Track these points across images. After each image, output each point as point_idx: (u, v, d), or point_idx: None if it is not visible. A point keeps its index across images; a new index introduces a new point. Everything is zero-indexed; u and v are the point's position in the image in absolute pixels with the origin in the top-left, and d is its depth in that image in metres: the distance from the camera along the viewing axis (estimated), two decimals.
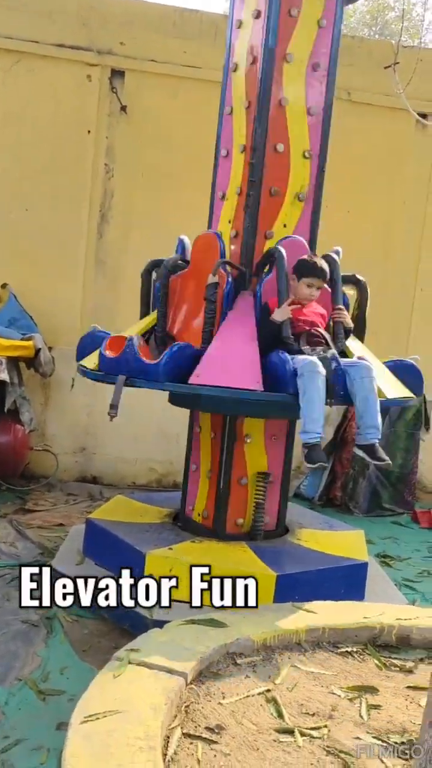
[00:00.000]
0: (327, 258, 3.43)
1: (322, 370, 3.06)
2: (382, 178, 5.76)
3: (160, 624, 2.57)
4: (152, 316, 3.63)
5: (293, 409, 3.11)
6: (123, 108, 5.40)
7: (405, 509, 5.65)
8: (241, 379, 3.09)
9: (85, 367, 3.57)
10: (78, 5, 5.36)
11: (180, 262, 3.66)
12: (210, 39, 5.43)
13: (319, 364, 3.07)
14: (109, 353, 3.38)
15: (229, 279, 3.36)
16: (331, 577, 3.31)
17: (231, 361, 3.15)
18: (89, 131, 5.42)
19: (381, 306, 5.91)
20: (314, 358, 3.10)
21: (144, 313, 3.81)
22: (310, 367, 3.04)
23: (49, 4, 5.30)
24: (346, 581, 3.36)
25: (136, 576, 3.23)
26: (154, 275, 3.75)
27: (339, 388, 3.14)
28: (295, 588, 3.11)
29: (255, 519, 3.59)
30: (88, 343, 3.82)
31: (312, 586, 3.17)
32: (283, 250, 3.33)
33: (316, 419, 3.04)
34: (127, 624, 3.11)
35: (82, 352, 3.79)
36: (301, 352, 3.20)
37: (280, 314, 3.25)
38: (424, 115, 5.71)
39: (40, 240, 5.42)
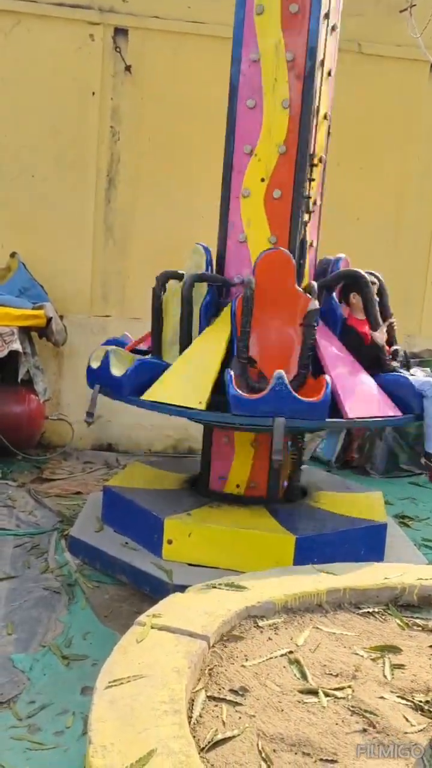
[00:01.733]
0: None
1: None
2: (395, 133, 5.61)
3: (179, 588, 2.57)
4: (220, 334, 3.37)
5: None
6: (128, 68, 5.27)
7: (422, 470, 5.62)
8: (384, 408, 3.23)
9: (187, 407, 3.33)
10: None
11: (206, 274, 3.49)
12: None
13: None
14: (93, 363, 3.45)
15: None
16: (351, 539, 3.31)
17: (364, 391, 3.25)
18: (93, 93, 5.30)
19: (394, 269, 5.82)
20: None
21: (156, 328, 3.63)
22: None
23: None
24: (366, 542, 3.36)
25: (156, 541, 3.24)
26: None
27: None
28: (314, 550, 3.11)
29: (292, 480, 3.67)
30: (139, 373, 3.49)
31: (331, 547, 3.17)
32: (364, 274, 3.42)
33: None
34: (147, 588, 3.13)
35: (135, 383, 3.44)
36: (395, 370, 3.41)
37: (380, 337, 3.39)
38: None
39: (47, 207, 5.35)
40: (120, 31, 5.27)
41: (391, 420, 3.27)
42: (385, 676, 2.04)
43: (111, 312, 5.58)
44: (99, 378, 3.41)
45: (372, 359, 3.38)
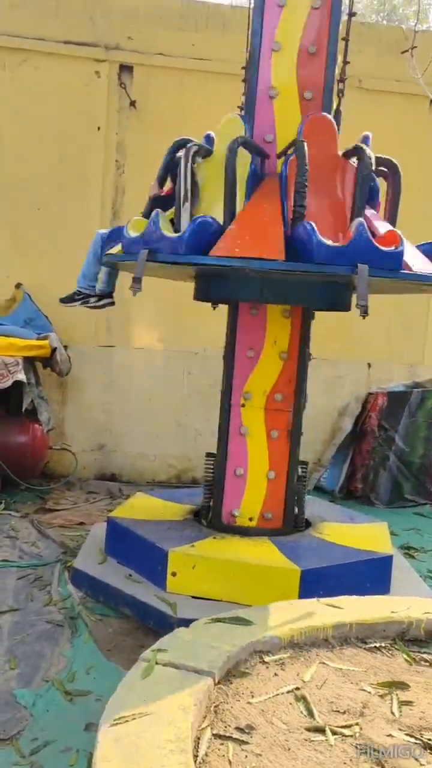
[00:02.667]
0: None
1: None
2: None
3: (184, 622, 2.55)
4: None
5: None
6: (132, 103, 5.37)
7: (427, 500, 5.60)
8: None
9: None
10: (83, 0, 5.33)
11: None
12: (218, 30, 5.38)
13: None
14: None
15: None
16: (356, 571, 3.28)
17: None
18: (99, 128, 5.39)
19: (396, 299, 5.87)
20: None
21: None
22: None
23: (54, 1, 5.27)
24: (371, 575, 3.33)
25: (160, 574, 3.22)
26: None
27: None
28: (319, 583, 3.09)
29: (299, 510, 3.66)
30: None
31: (337, 580, 3.15)
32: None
33: None
34: (150, 622, 3.10)
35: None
36: None
37: None
38: None
39: (52, 238, 5.41)
40: (125, 68, 5.37)
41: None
42: (393, 714, 2.01)
43: (115, 342, 5.61)
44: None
45: None
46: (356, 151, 3.16)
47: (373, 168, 3.13)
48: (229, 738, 1.85)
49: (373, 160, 3.10)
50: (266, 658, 2.27)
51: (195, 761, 1.70)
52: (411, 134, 5.66)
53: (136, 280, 3.05)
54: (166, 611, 3.04)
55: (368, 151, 3.08)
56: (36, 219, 5.41)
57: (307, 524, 3.76)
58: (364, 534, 3.71)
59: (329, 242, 2.84)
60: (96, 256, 3.78)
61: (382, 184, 3.41)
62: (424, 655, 2.41)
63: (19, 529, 4.36)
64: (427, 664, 2.36)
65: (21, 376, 4.76)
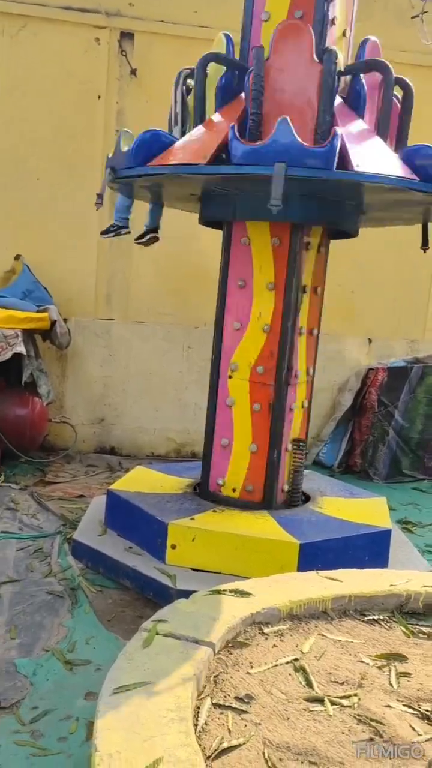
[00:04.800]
0: None
1: None
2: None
3: (183, 593, 2.56)
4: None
5: None
6: (133, 71, 5.27)
7: (425, 475, 5.62)
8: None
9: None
10: None
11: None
12: None
13: None
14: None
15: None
16: (355, 545, 3.30)
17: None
18: (99, 96, 5.31)
19: (399, 275, 5.82)
20: None
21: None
22: None
23: None
24: (370, 549, 3.35)
25: (160, 546, 3.24)
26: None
27: None
28: (318, 556, 3.10)
29: (294, 485, 3.62)
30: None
31: (335, 554, 3.16)
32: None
33: None
34: (150, 593, 3.12)
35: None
36: None
37: None
38: None
39: (52, 210, 5.35)
40: (126, 35, 5.27)
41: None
42: (391, 685, 2.03)
43: (115, 315, 5.58)
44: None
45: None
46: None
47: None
48: (229, 707, 1.86)
49: (340, 61, 3.05)
50: (265, 630, 2.28)
51: (195, 730, 1.72)
52: (419, 105, 5.57)
53: (98, 196, 3.35)
54: (166, 583, 3.06)
55: (335, 52, 3.00)
56: (35, 189, 5.34)
57: (307, 498, 3.77)
58: (363, 508, 3.72)
59: (245, 142, 2.86)
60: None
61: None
62: (422, 628, 2.42)
63: (19, 501, 4.37)
64: (425, 636, 2.37)
65: (20, 349, 4.74)
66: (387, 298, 5.92)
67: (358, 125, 3.14)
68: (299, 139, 2.80)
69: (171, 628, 2.14)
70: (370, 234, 4.08)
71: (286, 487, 3.61)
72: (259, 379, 3.51)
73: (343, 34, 3.36)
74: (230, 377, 3.57)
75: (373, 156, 3.00)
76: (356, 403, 5.71)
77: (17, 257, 5.30)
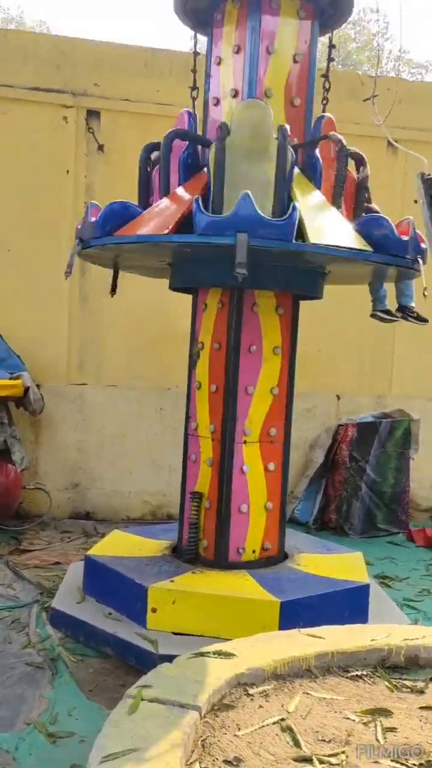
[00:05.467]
0: None
1: None
2: None
3: (166, 658, 2.55)
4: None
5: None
6: (100, 147, 5.49)
7: (400, 529, 5.68)
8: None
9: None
10: (51, 48, 5.47)
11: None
12: (182, 77, 5.51)
13: None
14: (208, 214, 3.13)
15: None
16: (334, 601, 3.32)
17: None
18: (68, 171, 5.50)
19: (365, 330, 6.01)
20: None
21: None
22: None
23: (22, 50, 5.40)
24: (349, 604, 3.38)
25: (140, 610, 3.22)
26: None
27: None
28: (299, 614, 3.12)
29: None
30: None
31: (316, 610, 3.18)
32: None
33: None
34: (132, 660, 3.09)
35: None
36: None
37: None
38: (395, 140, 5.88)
39: (24, 279, 5.46)
40: (92, 113, 5.51)
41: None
42: (377, 740, 2.04)
43: (87, 380, 5.63)
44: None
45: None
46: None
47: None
48: None
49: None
50: (250, 690, 2.28)
51: None
52: (371, 174, 5.86)
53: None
54: (148, 648, 3.04)
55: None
56: (7, 260, 5.45)
57: (285, 556, 3.79)
58: (341, 564, 3.75)
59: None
60: None
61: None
62: (405, 682, 2.44)
63: None
64: (409, 690, 2.40)
65: None
66: (353, 356, 6.09)
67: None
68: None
69: (156, 694, 2.13)
70: (333, 293, 4.23)
71: (240, 549, 3.62)
72: (213, 436, 3.63)
73: (292, 104, 3.56)
74: (192, 435, 3.68)
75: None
76: (328, 459, 5.79)
77: None
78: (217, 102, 3.59)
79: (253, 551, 3.61)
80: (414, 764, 1.94)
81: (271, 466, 3.64)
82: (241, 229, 2.91)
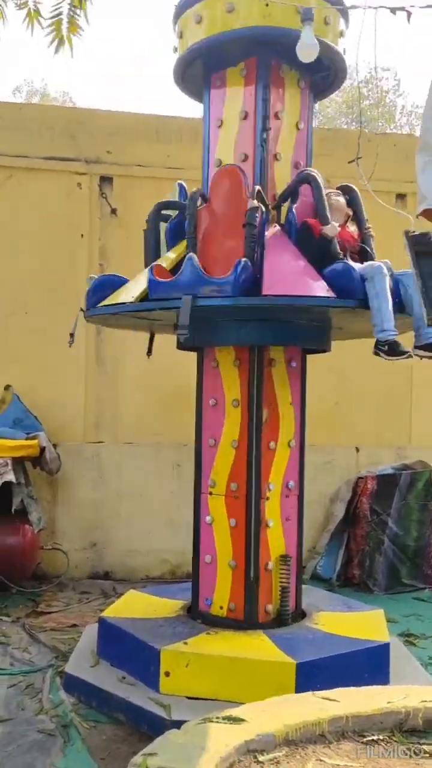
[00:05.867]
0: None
1: (387, 272, 3.18)
2: None
3: (179, 724, 2.48)
4: (180, 249, 3.54)
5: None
6: (113, 211, 5.66)
7: (425, 584, 5.52)
8: (311, 288, 3.16)
9: (121, 303, 3.43)
10: (65, 120, 5.71)
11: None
12: (190, 142, 5.72)
13: (384, 267, 3.19)
14: (161, 279, 3.26)
15: (263, 209, 3.36)
16: (353, 662, 3.22)
17: (294, 274, 3.23)
18: (82, 235, 5.65)
19: (383, 384, 5.98)
20: (379, 263, 3.24)
21: (151, 261, 3.71)
22: (378, 270, 3.16)
23: (37, 122, 5.63)
24: (369, 664, 3.27)
25: (153, 674, 3.15)
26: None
27: (395, 295, 3.25)
28: (316, 675, 3.03)
29: (282, 604, 3.53)
30: (99, 289, 3.67)
31: (333, 672, 3.08)
32: (316, 173, 3.45)
33: (390, 318, 3.15)
34: (145, 726, 3.01)
35: (95, 300, 3.64)
36: (342, 260, 3.31)
37: (331, 230, 3.33)
38: (403, 195, 5.97)
39: (40, 341, 5.56)
40: (105, 179, 5.70)
41: (320, 299, 3.13)
42: None
43: (103, 438, 5.66)
44: (87, 299, 3.72)
45: (322, 252, 3.30)
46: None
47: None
48: None
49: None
50: (260, 757, 2.20)
51: None
52: (376, 228, 5.94)
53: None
54: (161, 714, 2.96)
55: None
56: (24, 322, 5.57)
57: (303, 615, 3.70)
58: (360, 622, 3.65)
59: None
60: None
61: None
62: (424, 746, 2.34)
63: (11, 634, 4.27)
64: (427, 755, 2.29)
65: (10, 477, 4.78)
66: (371, 408, 6.06)
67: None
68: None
69: (162, 762, 2.07)
70: (348, 346, 4.24)
71: (269, 607, 3.54)
72: (232, 494, 3.57)
73: (296, 167, 3.65)
74: (210, 494, 3.61)
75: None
76: (349, 512, 5.70)
77: (7, 387, 5.45)
78: (220, 164, 3.67)
79: (220, 607, 3.57)
80: None
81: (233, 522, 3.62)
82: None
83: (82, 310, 3.70)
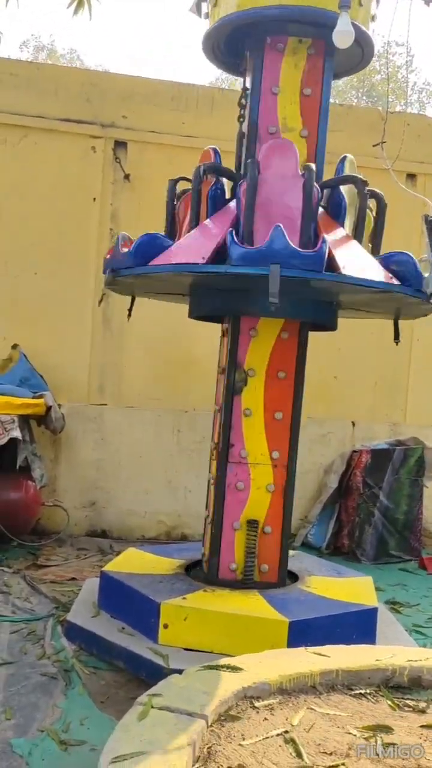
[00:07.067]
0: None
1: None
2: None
3: (176, 672, 2.64)
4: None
5: None
6: (126, 176, 5.69)
7: (412, 556, 5.71)
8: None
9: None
10: (82, 82, 5.70)
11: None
12: (206, 110, 5.75)
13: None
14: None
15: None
16: (342, 623, 3.38)
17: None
18: (94, 199, 5.70)
19: (379, 360, 6.10)
20: None
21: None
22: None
23: (54, 82, 5.63)
24: (357, 626, 3.43)
25: (152, 626, 3.31)
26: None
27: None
28: (307, 634, 3.18)
29: (246, 565, 3.66)
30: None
31: (324, 631, 3.25)
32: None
33: None
34: (143, 674, 3.17)
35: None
36: None
37: None
38: (413, 175, 6.02)
39: (48, 302, 5.64)
40: (120, 144, 5.72)
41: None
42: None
43: (107, 401, 5.77)
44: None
45: None
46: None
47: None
48: None
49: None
50: (256, 703, 2.36)
51: None
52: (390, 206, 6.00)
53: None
54: (159, 662, 3.12)
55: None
56: (33, 283, 5.64)
57: (295, 578, 3.86)
58: (350, 587, 3.82)
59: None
60: None
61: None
62: (408, 701, 2.51)
63: (12, 584, 4.42)
64: (410, 709, 2.46)
65: (17, 434, 4.90)
66: (368, 384, 6.19)
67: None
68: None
69: (166, 702, 2.22)
70: (349, 323, 4.35)
71: (233, 566, 3.67)
72: (276, 463, 3.71)
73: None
74: (237, 462, 3.72)
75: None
76: (342, 484, 5.85)
77: (15, 346, 5.54)
78: (276, 132, 3.64)
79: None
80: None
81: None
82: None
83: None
